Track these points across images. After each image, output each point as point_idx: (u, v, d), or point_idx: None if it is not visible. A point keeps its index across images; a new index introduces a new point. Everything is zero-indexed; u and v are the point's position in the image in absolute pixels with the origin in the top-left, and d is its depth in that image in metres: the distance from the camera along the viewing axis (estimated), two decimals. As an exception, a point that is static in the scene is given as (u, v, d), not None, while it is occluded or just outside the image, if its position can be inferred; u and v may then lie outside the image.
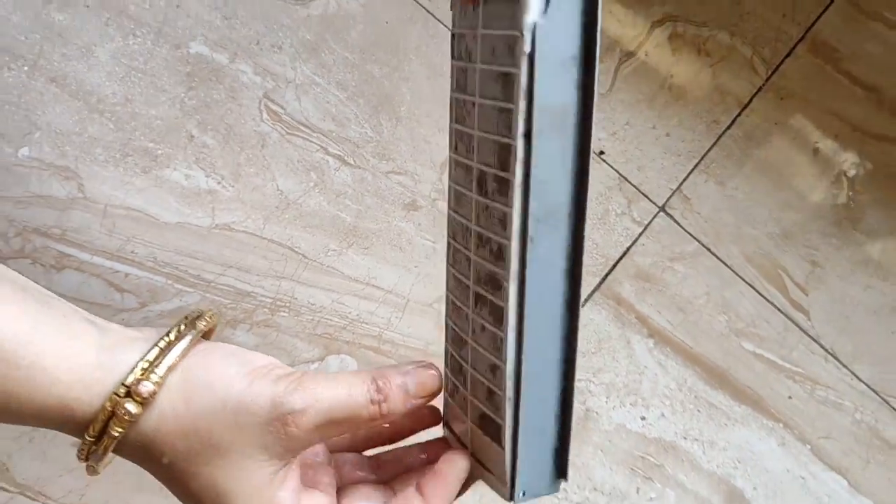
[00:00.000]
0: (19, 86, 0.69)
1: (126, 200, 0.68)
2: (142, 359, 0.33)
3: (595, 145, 0.74)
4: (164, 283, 0.67)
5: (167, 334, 0.34)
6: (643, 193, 0.74)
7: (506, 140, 0.33)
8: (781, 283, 0.73)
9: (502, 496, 0.35)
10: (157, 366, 0.33)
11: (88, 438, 0.33)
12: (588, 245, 0.72)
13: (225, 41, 0.72)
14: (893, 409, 0.72)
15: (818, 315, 0.73)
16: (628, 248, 0.72)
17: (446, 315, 0.39)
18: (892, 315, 0.74)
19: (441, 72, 0.73)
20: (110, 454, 0.33)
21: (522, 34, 0.31)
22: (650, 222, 0.73)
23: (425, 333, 0.69)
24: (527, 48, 0.31)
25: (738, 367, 0.71)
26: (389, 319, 0.69)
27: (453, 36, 0.37)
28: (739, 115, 0.76)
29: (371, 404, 0.35)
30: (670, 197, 0.74)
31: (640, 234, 0.73)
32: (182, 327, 0.35)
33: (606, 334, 0.70)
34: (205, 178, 0.69)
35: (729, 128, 0.76)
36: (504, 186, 0.33)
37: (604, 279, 0.72)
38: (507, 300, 0.33)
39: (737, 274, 0.73)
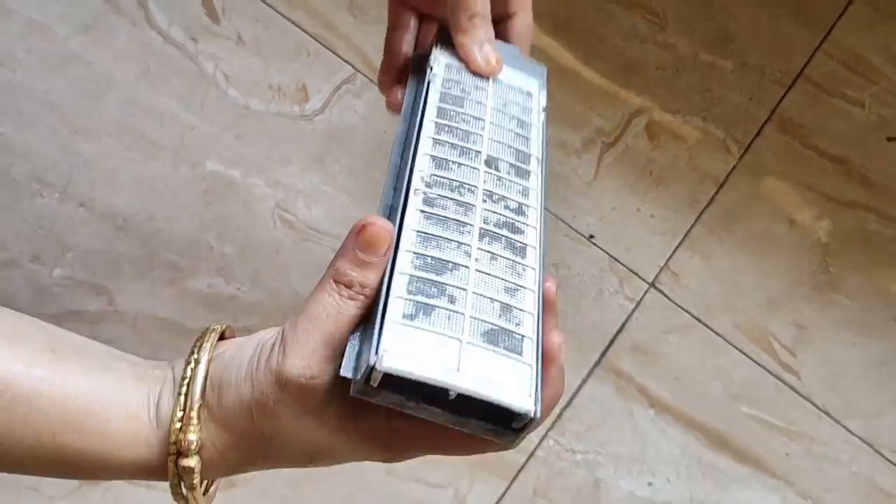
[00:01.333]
0: (50, 212, 0.75)
1: (154, 311, 0.74)
2: (174, 411, 0.35)
3: (585, 230, 0.79)
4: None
5: (183, 377, 0.36)
6: (633, 272, 0.79)
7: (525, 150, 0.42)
8: (770, 348, 0.78)
9: (525, 411, 0.31)
10: (190, 415, 0.35)
11: (174, 480, 0.35)
12: (586, 323, 0.77)
13: (238, 158, 0.78)
14: (888, 460, 0.76)
15: (808, 375, 0.77)
16: (624, 324, 0.77)
17: (405, 248, 0.37)
18: (878, 369, 0.78)
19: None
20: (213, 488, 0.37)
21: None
22: (642, 298, 0.78)
23: (439, 417, 0.73)
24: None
25: (737, 430, 0.75)
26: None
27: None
28: (717, 192, 0.81)
29: (350, 301, 0.34)
30: (659, 273, 0.79)
31: (634, 310, 0.77)
32: (195, 354, 0.37)
33: (610, 407, 0.75)
34: (226, 285, 0.75)
35: (708, 205, 0.81)
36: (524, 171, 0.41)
37: (603, 354, 0.76)
38: (536, 243, 0.37)
39: (728, 342, 0.77)
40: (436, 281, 0.35)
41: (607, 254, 0.79)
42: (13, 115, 0.76)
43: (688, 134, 0.83)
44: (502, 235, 0.37)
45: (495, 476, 0.72)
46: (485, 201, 0.38)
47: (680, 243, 0.80)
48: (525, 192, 0.40)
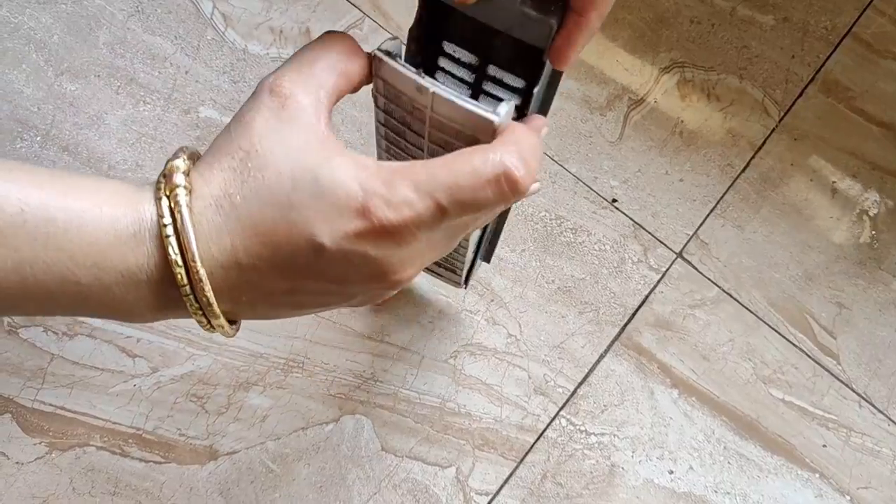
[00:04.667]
0: (31, 156, 0.69)
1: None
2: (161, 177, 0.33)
3: (608, 193, 0.73)
4: (176, 347, 0.66)
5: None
6: (659, 240, 0.72)
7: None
8: (808, 327, 0.71)
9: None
10: (176, 159, 0.34)
11: (164, 226, 0.32)
12: (605, 295, 0.70)
13: (234, 104, 0.72)
14: (934, 454, 0.69)
15: (848, 359, 0.70)
16: (647, 297, 0.71)
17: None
18: (925, 357, 0.71)
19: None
20: (210, 288, 0.33)
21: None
22: (668, 269, 0.72)
23: (441, 391, 0.67)
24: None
25: (767, 416, 0.68)
26: (405, 377, 0.67)
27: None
28: (753, 157, 0.75)
29: (346, 36, 0.36)
30: (687, 243, 0.72)
31: (659, 282, 0.71)
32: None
33: (629, 386, 0.68)
34: (215, 240, 0.69)
35: (743, 171, 0.75)
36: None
37: (623, 329, 0.70)
38: None
39: (760, 319, 0.71)
40: None
41: (631, 220, 0.73)
42: (-5, 53, 0.71)
43: (722, 93, 0.76)
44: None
45: (501, 456, 0.66)
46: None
47: (711, 211, 0.73)
48: None
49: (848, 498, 0.67)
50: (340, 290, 0.35)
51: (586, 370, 0.68)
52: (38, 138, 0.70)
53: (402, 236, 0.33)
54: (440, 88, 0.34)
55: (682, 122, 0.75)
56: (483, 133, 0.35)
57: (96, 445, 0.64)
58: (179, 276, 0.32)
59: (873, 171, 0.75)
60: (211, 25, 0.74)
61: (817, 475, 0.67)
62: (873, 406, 0.69)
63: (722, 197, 0.74)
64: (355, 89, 0.37)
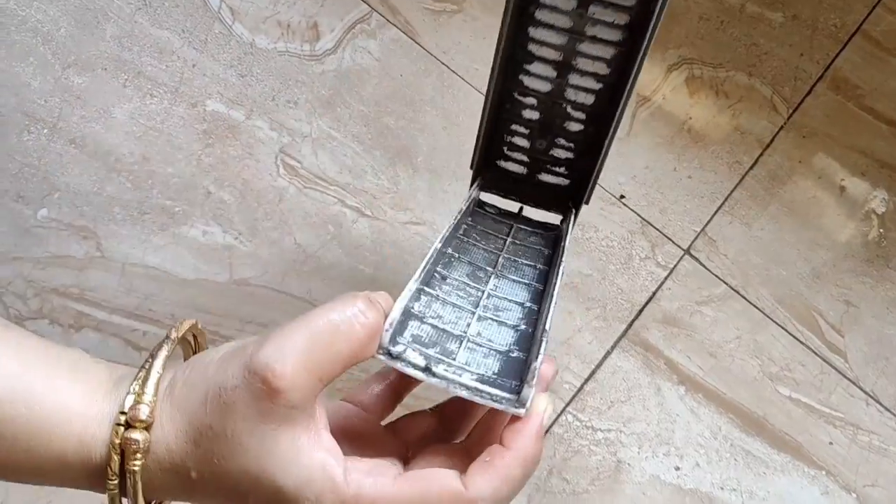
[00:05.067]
0: (39, 148, 0.69)
1: (144, 258, 0.68)
2: (132, 382, 0.32)
3: (615, 189, 0.73)
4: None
5: (149, 357, 0.33)
6: (667, 237, 0.72)
7: None
8: (815, 325, 0.71)
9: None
10: (146, 386, 0.32)
11: (111, 481, 0.32)
12: (612, 291, 0.70)
13: (241, 98, 0.72)
14: (941, 453, 0.69)
15: (856, 357, 0.70)
16: (654, 293, 0.70)
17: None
18: (933, 355, 0.71)
19: (457, 122, 0.73)
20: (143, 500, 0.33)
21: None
22: (675, 266, 0.71)
23: (448, 385, 0.67)
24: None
25: (774, 413, 0.68)
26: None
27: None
28: (762, 154, 0.75)
29: (360, 314, 0.32)
30: (695, 239, 0.72)
31: (666, 278, 0.71)
32: (156, 348, 0.34)
33: (636, 382, 0.68)
34: (222, 234, 0.69)
35: (752, 168, 0.74)
36: None
37: (630, 325, 0.69)
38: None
39: (768, 316, 0.70)
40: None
41: (639, 216, 0.72)
42: (2, 45, 0.71)
43: (731, 90, 0.76)
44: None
45: (507, 452, 0.66)
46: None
47: (719, 208, 0.73)
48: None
49: (854, 496, 0.67)
50: None
51: (593, 366, 0.68)
52: (46, 131, 0.70)
53: None
54: (454, 385, 0.34)
55: (690, 118, 0.75)
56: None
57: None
58: None
59: (882, 169, 0.75)
60: (218, 19, 0.74)
61: (824, 473, 0.67)
62: (880, 404, 0.69)
63: (730, 194, 0.73)
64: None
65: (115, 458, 0.31)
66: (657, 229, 0.72)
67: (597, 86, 0.41)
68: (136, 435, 0.31)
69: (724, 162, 0.74)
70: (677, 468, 0.67)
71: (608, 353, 0.69)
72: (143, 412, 0.31)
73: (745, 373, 0.69)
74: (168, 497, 0.34)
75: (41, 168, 0.69)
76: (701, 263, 0.72)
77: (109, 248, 0.68)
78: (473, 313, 0.38)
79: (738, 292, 0.71)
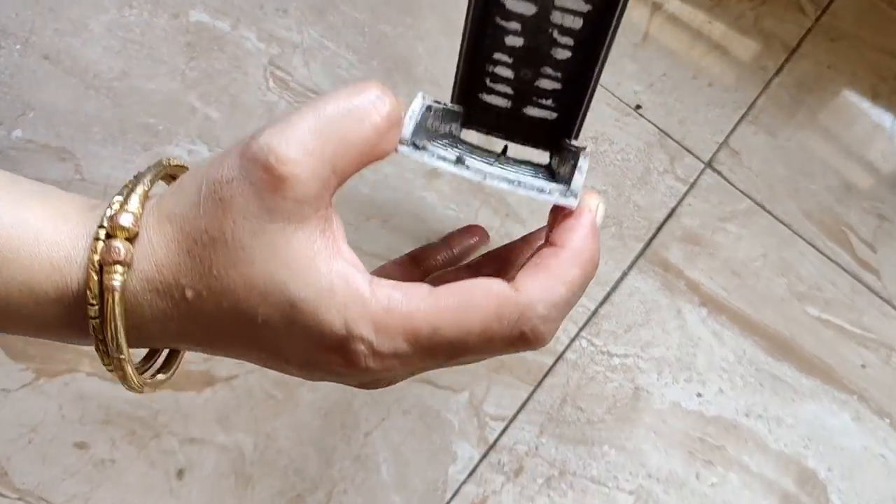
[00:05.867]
0: (11, 65, 0.64)
1: (126, 180, 0.63)
2: (113, 198, 0.28)
3: (631, 99, 0.68)
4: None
5: (133, 178, 0.30)
6: (686, 149, 0.67)
7: None
8: (846, 241, 0.66)
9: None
10: (129, 199, 0.28)
11: (91, 306, 0.26)
12: (629, 207, 0.66)
13: (227, 7, 0.67)
14: (981, 375, 0.65)
15: (889, 274, 0.66)
16: (673, 209, 0.66)
17: None
18: (971, 273, 0.67)
19: (459, 27, 0.68)
20: (124, 340, 0.27)
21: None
22: (696, 180, 0.67)
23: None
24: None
25: (802, 335, 0.64)
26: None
27: None
28: (788, 59, 0.69)
29: (376, 99, 0.27)
30: (717, 151, 0.67)
31: (686, 194, 0.66)
32: (148, 168, 0.30)
33: (654, 304, 0.64)
34: (208, 152, 0.64)
35: (777, 74, 0.69)
36: None
37: (648, 244, 0.65)
38: None
39: (795, 232, 0.66)
40: None
41: (656, 127, 0.67)
42: (-32, -45, 0.66)
43: (755, -9, 0.71)
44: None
45: (517, 380, 0.62)
46: None
47: (742, 117, 0.68)
48: None
49: (888, 421, 0.63)
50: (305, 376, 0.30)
51: (608, 288, 0.64)
52: (18, 46, 0.65)
53: (382, 379, 0.29)
54: (496, 179, 0.29)
55: (710, 22, 0.70)
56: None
57: (86, 371, 0.60)
58: (100, 353, 0.28)
59: (918, 73, 0.70)
60: (200, -78, 0.68)
61: (855, 397, 0.63)
62: (916, 324, 0.65)
63: (754, 102, 0.68)
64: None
65: (94, 276, 0.26)
66: (676, 141, 0.67)
67: (585, 7, 0.36)
68: (117, 244, 0.26)
69: (748, 68, 0.69)
70: (699, 394, 0.62)
71: (625, 274, 0.64)
72: (126, 219, 0.26)
73: (771, 292, 0.65)
74: (161, 339, 0.28)
75: (14, 86, 0.64)
76: (723, 177, 0.67)
77: (89, 170, 0.63)
78: (492, 159, 0.33)
79: (763, 207, 0.66)
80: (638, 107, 0.68)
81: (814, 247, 0.66)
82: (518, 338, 0.27)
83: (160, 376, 0.31)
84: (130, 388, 0.29)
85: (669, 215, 0.66)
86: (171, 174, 0.32)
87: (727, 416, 0.62)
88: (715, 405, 0.62)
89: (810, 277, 0.65)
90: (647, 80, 0.68)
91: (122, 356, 0.27)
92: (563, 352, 0.62)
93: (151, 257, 0.27)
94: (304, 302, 0.26)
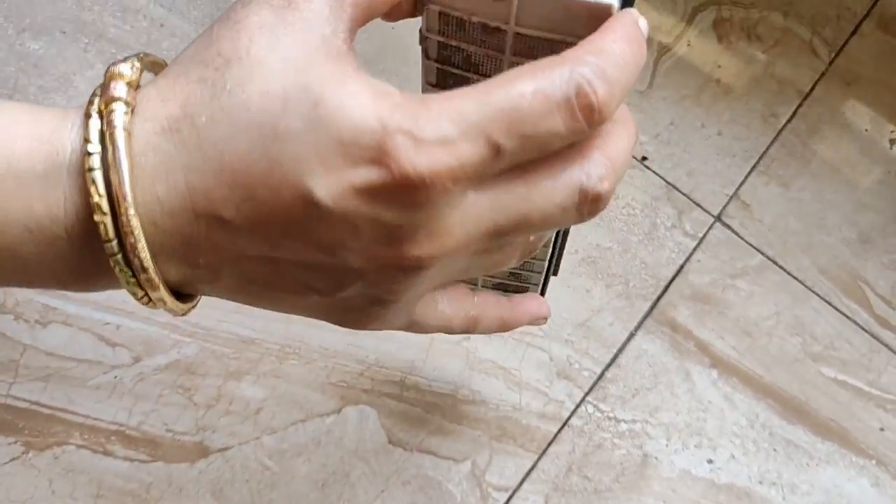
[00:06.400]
0: (-6, 124, 0.63)
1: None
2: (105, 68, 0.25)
3: (636, 150, 0.66)
4: (160, 334, 0.60)
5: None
6: (695, 202, 0.65)
7: None
8: (863, 297, 0.64)
9: None
10: (120, 65, 0.25)
11: (91, 170, 0.24)
12: (635, 264, 0.64)
13: (215, 60, 0.65)
14: None
15: (909, 331, 0.63)
16: (682, 266, 0.64)
17: None
18: None
19: None
20: (131, 191, 0.24)
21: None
22: (705, 235, 0.64)
23: (454, 376, 0.61)
24: None
25: (817, 397, 0.62)
26: (412, 362, 0.61)
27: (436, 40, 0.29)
28: (801, 105, 0.67)
29: None
30: (727, 204, 0.65)
31: (695, 249, 0.64)
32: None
33: (663, 367, 0.62)
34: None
35: (790, 121, 0.67)
36: None
37: (656, 303, 0.63)
38: None
39: (810, 289, 0.64)
40: None
41: (663, 180, 0.65)
42: (-51, 9, 0.65)
43: (765, 33, 0.69)
44: None
45: (521, 448, 0.60)
46: None
47: (753, 167, 0.66)
48: None
49: (908, 486, 0.61)
50: (333, 267, 0.25)
51: (615, 350, 0.62)
52: (1, 104, 0.63)
53: (437, 193, 0.23)
54: None
55: (719, 67, 0.68)
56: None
57: (76, 444, 0.59)
58: (103, 227, 0.24)
59: (937, 118, 0.67)
60: (187, -29, 0.67)
61: (874, 462, 0.61)
62: (937, 384, 0.63)
63: (765, 151, 0.66)
64: (391, 17, 0.28)
65: (95, 123, 0.24)
66: (684, 194, 0.65)
67: None
68: (118, 87, 0.24)
69: (759, 115, 0.67)
70: (710, 461, 0.60)
71: (631, 335, 0.62)
72: (125, 69, 0.24)
73: (784, 353, 0.63)
74: (163, 204, 0.24)
75: (-2, 146, 0.63)
76: (734, 231, 0.65)
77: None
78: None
79: (775, 262, 0.64)
80: (644, 158, 0.66)
81: (829, 304, 0.64)
82: (574, 93, 0.23)
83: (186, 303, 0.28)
84: (159, 302, 0.26)
85: (678, 273, 0.64)
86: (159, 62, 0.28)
87: (740, 483, 0.60)
88: (726, 472, 0.60)
89: (825, 336, 0.63)
90: (654, 129, 0.66)
91: (135, 228, 0.24)
92: (569, 418, 0.61)
93: (156, 97, 0.24)
94: (329, 98, 0.23)
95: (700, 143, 0.66)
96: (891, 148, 0.67)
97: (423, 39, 0.28)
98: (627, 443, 0.61)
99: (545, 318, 0.43)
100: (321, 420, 0.60)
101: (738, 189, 0.66)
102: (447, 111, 0.23)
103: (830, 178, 0.66)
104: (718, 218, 0.65)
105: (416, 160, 0.22)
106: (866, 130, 0.67)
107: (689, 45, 0.68)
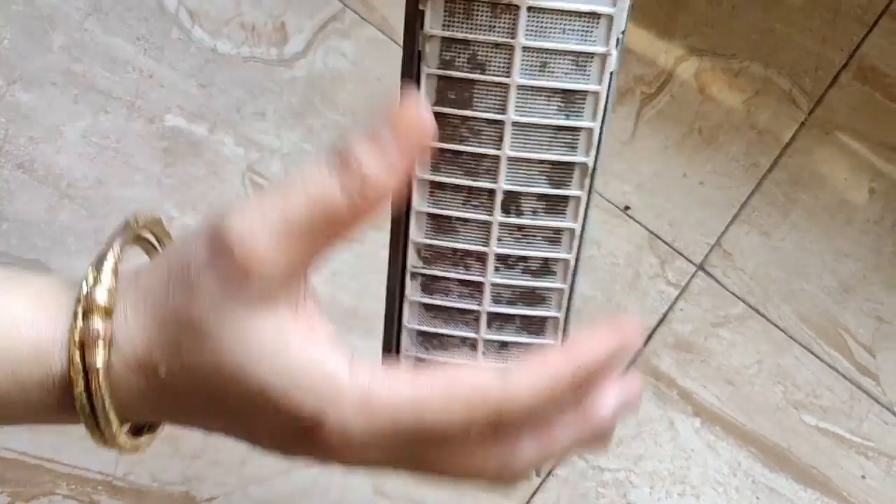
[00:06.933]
0: (-16, 174, 0.64)
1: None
2: (87, 273, 0.27)
3: (619, 199, 0.67)
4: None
5: (104, 245, 0.29)
6: (677, 251, 0.66)
7: (571, 158, 0.30)
8: (843, 345, 0.65)
9: None
10: (101, 271, 0.27)
11: (77, 386, 0.27)
12: (618, 314, 0.64)
13: (203, 111, 0.66)
14: None
15: (889, 379, 0.64)
16: (665, 315, 0.65)
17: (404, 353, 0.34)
18: (974, 372, 0.65)
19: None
20: (114, 418, 0.27)
21: (610, 52, 0.28)
22: (687, 284, 0.65)
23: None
24: (613, 67, 0.28)
25: (799, 445, 0.63)
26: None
27: (426, 37, 0.29)
28: (781, 155, 0.69)
29: (343, 180, 0.25)
30: (709, 253, 0.66)
31: (677, 298, 0.65)
32: (115, 234, 0.30)
33: (646, 415, 0.63)
34: (187, 263, 0.63)
35: (770, 170, 0.68)
36: (560, 205, 0.30)
37: (639, 352, 0.64)
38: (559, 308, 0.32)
39: (791, 337, 0.65)
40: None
41: (646, 229, 0.66)
42: (-59, 60, 0.65)
43: (746, 83, 0.70)
44: (516, 316, 0.31)
45: (505, 498, 0.61)
46: (497, 270, 0.31)
47: (735, 217, 0.67)
48: (557, 237, 0.31)
49: (890, 533, 0.61)
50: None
51: (599, 399, 0.63)
52: (-9, 155, 0.64)
53: (356, 463, 0.27)
54: None
55: (701, 117, 0.69)
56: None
57: (63, 494, 0.59)
58: (90, 429, 0.28)
59: (915, 167, 0.69)
60: (176, 23, 0.68)
61: (856, 509, 0.62)
62: (917, 431, 0.64)
63: (746, 201, 0.68)
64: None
65: (77, 356, 0.26)
66: (667, 243, 0.66)
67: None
68: (96, 323, 0.26)
69: (740, 165, 0.68)
70: (694, 509, 0.61)
71: (615, 384, 0.63)
72: (101, 295, 0.26)
73: (766, 401, 0.63)
74: (141, 412, 0.29)
75: (-13, 196, 0.63)
76: (716, 280, 0.66)
77: (64, 283, 0.62)
78: None
79: (757, 311, 0.65)
80: (627, 208, 0.67)
81: (811, 352, 0.64)
82: (494, 431, 0.26)
83: (146, 437, 0.31)
84: (124, 451, 0.29)
85: (660, 322, 0.64)
86: (142, 236, 0.32)
87: (723, 531, 0.61)
88: (710, 520, 0.61)
89: (807, 384, 0.64)
90: (636, 179, 0.67)
91: (114, 430, 0.28)
92: (553, 468, 0.61)
93: (127, 333, 0.27)
94: (274, 388, 0.25)
95: (682, 192, 0.67)
96: (870, 197, 0.68)
97: (422, 46, 0.28)
98: (612, 492, 0.61)
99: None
100: (307, 471, 0.60)
101: (720, 238, 0.67)
102: (381, 417, 0.26)
103: (811, 227, 0.67)
104: (701, 267, 0.66)
105: (344, 450, 0.26)
106: (846, 179, 0.68)
107: (671, 95, 0.69)
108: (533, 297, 0.31)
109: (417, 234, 0.32)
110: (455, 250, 0.32)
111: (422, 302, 0.33)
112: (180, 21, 0.68)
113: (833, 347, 0.65)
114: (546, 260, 0.31)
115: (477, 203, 0.31)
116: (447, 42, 0.28)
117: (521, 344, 0.31)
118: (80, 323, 0.26)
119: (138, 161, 0.65)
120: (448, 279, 0.32)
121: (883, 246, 0.67)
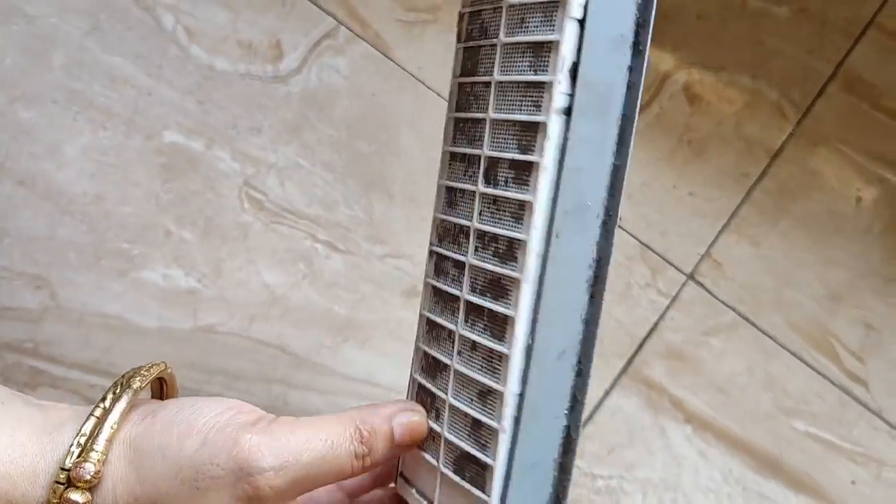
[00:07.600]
0: (-14, 191, 0.64)
1: (102, 307, 0.63)
2: (77, 435, 0.29)
3: (610, 211, 0.67)
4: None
5: (101, 401, 0.30)
6: (668, 261, 0.66)
7: (535, 118, 0.29)
8: (833, 352, 0.65)
9: None
10: (95, 440, 0.29)
11: None
12: (610, 323, 0.65)
13: (200, 127, 0.67)
14: (976, 488, 0.63)
15: (878, 386, 0.65)
16: (656, 324, 0.65)
17: (417, 341, 0.35)
18: (964, 378, 0.65)
19: (436, 144, 0.67)
20: None
21: None
22: (678, 293, 0.66)
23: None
24: (576, 13, 0.28)
25: (790, 451, 0.63)
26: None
27: (461, 16, 0.34)
28: (770, 165, 0.69)
29: (355, 459, 0.31)
30: (699, 263, 0.67)
31: (668, 308, 0.65)
32: (116, 390, 0.31)
33: (638, 424, 0.63)
34: (184, 276, 0.64)
35: (759, 181, 0.68)
36: (525, 174, 0.30)
37: (630, 361, 0.64)
38: (516, 305, 0.29)
39: (781, 345, 0.65)
40: (428, 389, 0.33)
41: (637, 240, 0.67)
42: (-57, 79, 0.66)
43: (734, 95, 0.70)
44: (485, 308, 0.31)
45: (499, 505, 0.61)
46: (476, 250, 0.32)
47: (724, 226, 0.67)
48: (520, 213, 0.30)
49: (881, 539, 0.61)
50: None
51: (591, 408, 0.63)
52: (-7, 171, 0.65)
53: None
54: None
55: (690, 129, 0.69)
56: None
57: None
58: None
59: (902, 176, 0.69)
60: (174, 41, 0.68)
61: (847, 515, 0.62)
62: (907, 437, 0.64)
63: (736, 211, 0.68)
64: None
65: None
66: (657, 254, 0.66)
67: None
68: (77, 497, 0.28)
69: (729, 175, 0.68)
70: (686, 516, 0.61)
71: (607, 393, 0.63)
72: (88, 471, 0.28)
73: (757, 408, 0.64)
74: None
75: (-11, 212, 0.64)
76: (706, 289, 0.66)
77: (65, 298, 0.63)
78: None
79: (747, 320, 0.65)
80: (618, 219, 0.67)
81: (800, 360, 0.65)
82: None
83: None
84: None
85: (651, 331, 0.65)
86: (145, 387, 0.34)
87: (715, 538, 0.61)
88: (702, 527, 0.61)
89: (797, 392, 0.64)
90: (627, 190, 0.68)
91: None
92: (546, 475, 0.61)
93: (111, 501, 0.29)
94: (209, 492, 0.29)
95: (672, 203, 0.68)
96: (857, 205, 0.68)
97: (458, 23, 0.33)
98: (604, 499, 0.62)
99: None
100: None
101: (710, 248, 0.67)
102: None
103: (800, 236, 0.68)
104: (691, 276, 0.66)
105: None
106: (834, 188, 0.69)
107: (660, 108, 0.69)
108: (498, 287, 0.31)
109: (437, 208, 0.34)
110: (453, 225, 0.33)
111: (432, 285, 0.34)
112: (178, 39, 0.68)
113: (823, 355, 0.65)
114: (511, 242, 0.31)
115: (471, 173, 0.32)
116: (473, 13, 0.32)
117: (485, 349, 0.31)
118: (61, 491, 0.28)
119: (137, 177, 0.66)
120: (447, 259, 0.33)
121: (871, 254, 0.68)
